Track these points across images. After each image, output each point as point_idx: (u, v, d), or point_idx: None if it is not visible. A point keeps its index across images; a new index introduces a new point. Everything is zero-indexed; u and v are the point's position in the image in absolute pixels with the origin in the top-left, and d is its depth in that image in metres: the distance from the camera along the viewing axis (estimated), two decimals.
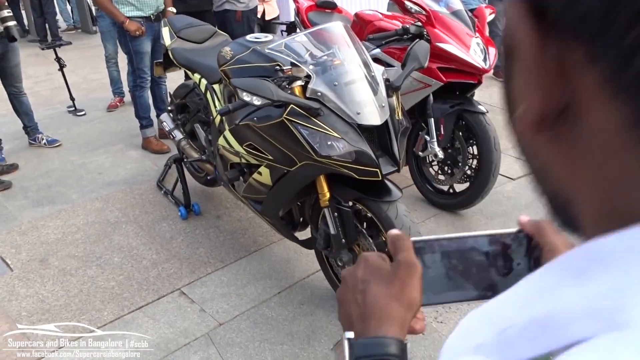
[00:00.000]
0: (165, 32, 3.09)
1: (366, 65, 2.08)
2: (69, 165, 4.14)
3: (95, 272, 2.83)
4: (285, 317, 2.46)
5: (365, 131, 1.99)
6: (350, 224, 2.12)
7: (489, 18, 3.19)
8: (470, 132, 3.03)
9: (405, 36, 3.02)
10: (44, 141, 4.48)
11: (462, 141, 3.02)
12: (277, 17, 5.05)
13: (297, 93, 2.03)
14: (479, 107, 2.96)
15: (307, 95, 1.97)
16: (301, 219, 2.56)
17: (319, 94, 1.96)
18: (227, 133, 2.39)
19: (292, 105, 1.96)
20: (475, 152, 3.04)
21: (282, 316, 2.47)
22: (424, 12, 2.94)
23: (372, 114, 1.97)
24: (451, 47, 2.84)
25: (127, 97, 5.51)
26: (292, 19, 4.44)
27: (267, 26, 4.77)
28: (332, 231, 2.16)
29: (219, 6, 4.35)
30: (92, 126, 4.94)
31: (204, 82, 2.81)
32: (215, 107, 2.70)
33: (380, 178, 1.95)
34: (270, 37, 2.48)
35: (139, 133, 4.64)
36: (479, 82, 2.99)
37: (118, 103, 5.45)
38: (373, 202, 2.04)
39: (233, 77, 2.36)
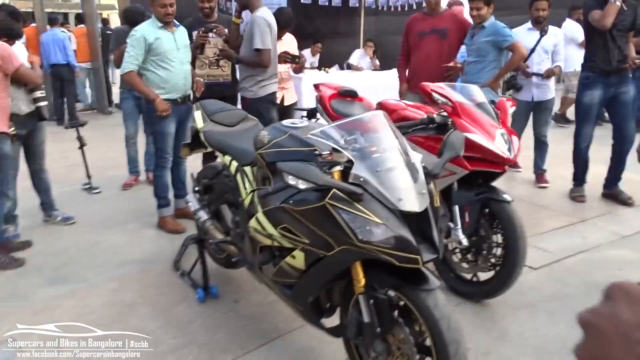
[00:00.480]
0: (198, 115, 3.18)
1: (405, 152, 2.12)
2: (83, 243, 4.10)
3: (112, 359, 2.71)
4: None
5: (405, 218, 1.99)
6: (386, 312, 2.07)
7: (511, 110, 3.30)
8: (494, 220, 3.04)
9: (430, 125, 3.10)
10: (59, 218, 4.48)
11: (488, 229, 3.02)
12: (296, 103, 5.22)
13: (337, 178, 2.05)
14: (504, 195, 2.98)
15: (350, 181, 1.99)
16: (328, 305, 2.49)
17: (362, 179, 1.98)
18: (260, 215, 2.39)
19: (334, 190, 1.97)
20: (500, 241, 3.02)
21: None
22: (450, 104, 3.03)
23: (412, 201, 1.98)
24: (477, 136, 2.91)
25: (142, 176, 5.60)
26: (312, 106, 4.58)
27: (286, 112, 4.92)
28: (366, 319, 2.10)
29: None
30: (107, 204, 4.95)
31: (234, 164, 2.85)
32: (245, 189, 2.72)
33: (420, 265, 1.93)
34: (305, 122, 2.54)
35: (155, 212, 4.65)
36: (504, 171, 3.04)
37: (134, 182, 5.51)
38: (412, 290, 2.00)
39: (269, 160, 2.40)
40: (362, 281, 2.09)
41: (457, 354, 1.94)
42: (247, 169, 2.76)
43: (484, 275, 3.09)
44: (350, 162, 2.11)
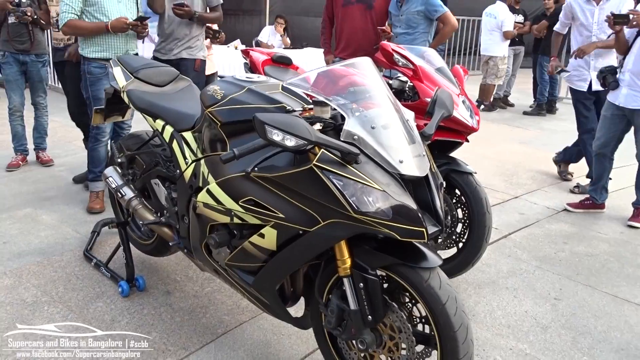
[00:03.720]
0: (118, 72, 2.62)
1: (398, 108, 1.80)
2: None
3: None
4: None
5: (405, 183, 1.68)
6: (378, 296, 1.74)
7: (465, 78, 3.11)
8: (454, 194, 2.83)
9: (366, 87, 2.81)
10: None
11: (450, 204, 2.80)
12: (216, 73, 4.71)
13: None
14: (467, 167, 2.78)
15: (341, 139, 1.63)
16: (291, 291, 2.13)
17: (355, 137, 1.63)
18: (213, 187, 1.96)
19: (322, 150, 1.61)
20: (460, 216, 2.83)
21: None
22: (411, 66, 2.77)
23: (413, 164, 1.67)
24: None
25: (31, 156, 4.82)
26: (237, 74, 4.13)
27: (207, 81, 4.42)
28: (352, 306, 1.77)
29: (175, 54, 3.95)
30: None
31: (169, 129, 2.37)
32: (185, 158, 2.26)
33: (426, 239, 1.62)
34: (263, 77, 2.14)
35: (51, 196, 3.99)
36: (465, 141, 2.84)
37: (20, 162, 4.70)
38: (410, 269, 1.69)
39: (225, 119, 1.97)
40: (348, 261, 1.76)
41: (465, 340, 1.67)
42: (187, 134, 2.29)
43: (444, 254, 2.87)
44: (332, 119, 1.76)
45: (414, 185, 1.76)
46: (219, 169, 1.98)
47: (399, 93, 2.93)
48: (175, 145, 2.32)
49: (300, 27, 11.59)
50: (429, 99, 2.70)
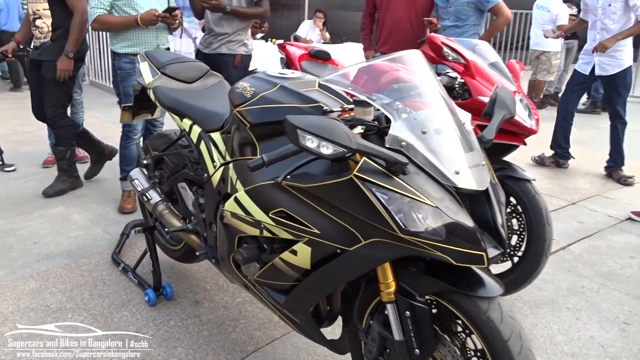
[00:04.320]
0: (145, 67, 2.46)
1: (452, 109, 1.55)
2: None
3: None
4: None
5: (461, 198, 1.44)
6: (427, 327, 1.51)
7: (521, 74, 2.81)
8: (509, 201, 2.55)
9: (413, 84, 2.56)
10: None
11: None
12: (255, 70, 4.51)
13: None
14: (524, 173, 2.50)
15: (387, 146, 1.40)
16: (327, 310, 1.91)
17: (403, 143, 1.40)
18: (241, 195, 1.76)
19: (364, 158, 1.38)
20: (516, 227, 2.55)
21: None
22: (462, 61, 2.50)
23: (471, 175, 1.43)
24: None
25: None
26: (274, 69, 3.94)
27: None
28: (396, 336, 1.54)
29: (215, 48, 3.76)
30: (24, 184, 4.10)
31: (196, 129, 2.19)
32: (213, 161, 2.07)
33: (486, 264, 1.38)
34: (298, 73, 1.92)
35: (84, 194, 3.91)
36: (522, 144, 2.55)
37: None
38: (466, 297, 1.45)
39: (255, 120, 1.77)
40: (392, 285, 1.53)
41: None
42: (216, 135, 2.10)
43: (497, 268, 2.60)
44: (375, 121, 1.53)
45: (471, 200, 1.51)
46: (247, 175, 1.78)
47: (448, 91, 2.66)
48: (203, 146, 2.14)
49: (340, 22, 11.35)
50: (481, 98, 2.45)
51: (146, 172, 2.54)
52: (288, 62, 3.59)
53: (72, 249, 3.09)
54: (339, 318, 1.90)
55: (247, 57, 3.87)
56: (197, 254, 2.28)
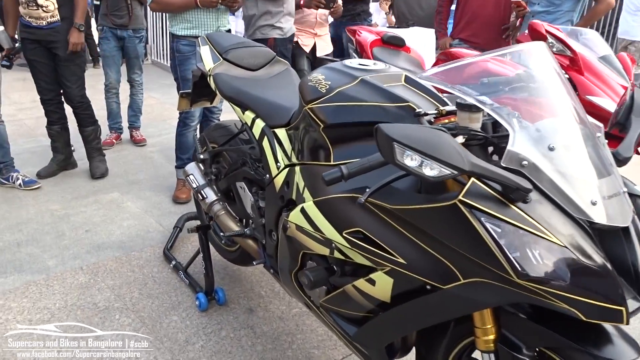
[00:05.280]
0: (206, 51, 2.24)
1: (583, 119, 1.23)
2: (47, 216, 3.19)
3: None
4: None
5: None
6: None
7: (634, 70, 2.42)
8: None
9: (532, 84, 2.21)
10: (19, 182, 3.55)
11: None
12: (330, 54, 4.21)
13: None
14: (635, 187, 2.12)
15: (502, 165, 1.11)
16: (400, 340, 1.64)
17: (525, 163, 1.10)
18: (309, 206, 1.51)
19: (473, 179, 1.09)
20: None
21: None
22: (568, 53, 2.14)
23: (610, 207, 1.11)
24: (608, 102, 2.03)
25: (125, 134, 4.67)
26: (345, 55, 3.66)
27: (318, 63, 3.93)
28: None
29: (250, 34, 3.53)
30: (80, 166, 4.00)
31: (259, 124, 1.95)
32: (276, 161, 1.83)
33: (624, 322, 1.07)
34: (381, 64, 1.63)
35: (139, 179, 3.79)
36: (637, 153, 2.17)
37: (114, 140, 4.57)
38: (590, 357, 1.14)
39: (331, 120, 1.50)
40: (493, 332, 1.24)
41: None
42: (281, 132, 1.85)
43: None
44: (482, 130, 1.23)
45: (601, 236, 1.19)
46: (318, 183, 1.52)
47: None
48: (265, 143, 1.90)
49: (406, 4, 10.87)
50: (590, 98, 2.08)
51: (202, 168, 2.33)
52: (358, 48, 3.30)
53: (123, 240, 2.94)
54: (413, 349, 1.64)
55: (285, 40, 3.54)
56: (254, 263, 2.05)
